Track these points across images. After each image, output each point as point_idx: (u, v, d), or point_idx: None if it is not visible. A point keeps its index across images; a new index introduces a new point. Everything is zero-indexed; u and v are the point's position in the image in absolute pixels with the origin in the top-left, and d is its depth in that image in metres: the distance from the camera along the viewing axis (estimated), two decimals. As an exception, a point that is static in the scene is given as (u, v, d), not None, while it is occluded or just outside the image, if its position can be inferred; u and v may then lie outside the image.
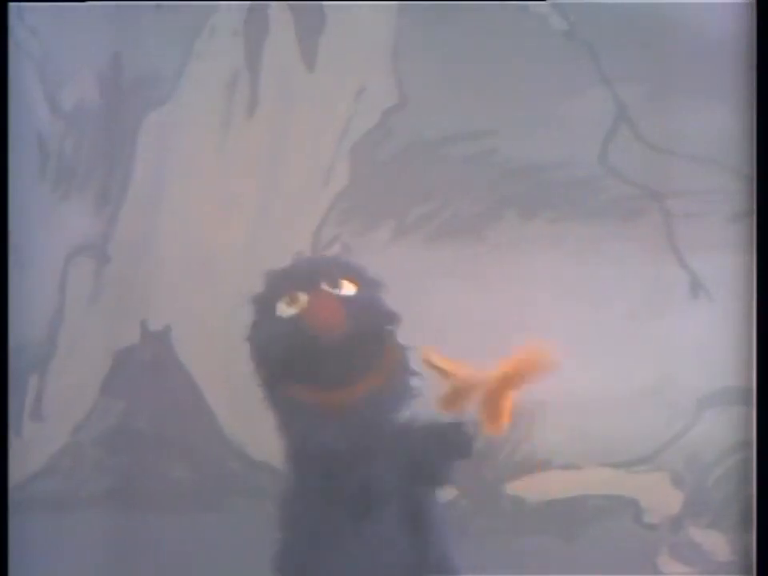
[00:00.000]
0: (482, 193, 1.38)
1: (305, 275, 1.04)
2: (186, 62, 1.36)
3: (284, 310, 1.01)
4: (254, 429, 1.37)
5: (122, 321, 1.37)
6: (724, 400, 1.39)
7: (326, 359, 0.97)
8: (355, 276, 1.06)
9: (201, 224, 1.37)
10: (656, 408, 1.39)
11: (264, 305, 1.04)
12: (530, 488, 1.39)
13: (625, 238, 1.38)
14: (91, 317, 1.38)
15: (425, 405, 1.11)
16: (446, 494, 1.38)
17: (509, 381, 1.05)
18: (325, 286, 1.02)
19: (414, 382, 1.08)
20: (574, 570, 1.36)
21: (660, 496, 1.39)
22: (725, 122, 1.38)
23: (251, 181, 1.37)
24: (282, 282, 1.04)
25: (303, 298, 1.01)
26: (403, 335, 1.34)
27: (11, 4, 1.33)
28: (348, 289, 1.03)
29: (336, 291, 1.02)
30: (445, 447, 1.04)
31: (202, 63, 1.36)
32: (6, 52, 1.33)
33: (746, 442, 1.39)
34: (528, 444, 1.39)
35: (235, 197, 1.37)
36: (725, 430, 1.40)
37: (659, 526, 1.40)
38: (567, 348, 1.38)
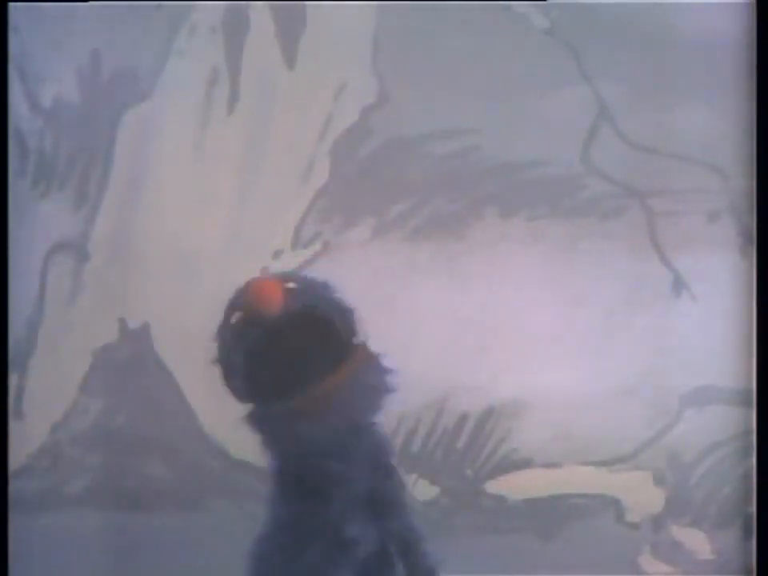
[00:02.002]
0: (463, 191, 1.38)
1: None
2: (165, 60, 1.36)
3: (234, 317, 1.01)
4: (234, 427, 1.36)
5: (101, 319, 1.37)
6: (706, 399, 1.39)
7: (281, 352, 0.97)
8: (298, 279, 1.04)
9: (180, 221, 1.36)
10: (638, 407, 1.39)
11: (222, 321, 1.04)
12: (512, 486, 1.39)
13: (606, 236, 1.38)
14: (70, 315, 1.38)
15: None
16: (427, 492, 1.39)
17: None
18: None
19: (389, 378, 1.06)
20: (555, 569, 1.36)
21: (642, 495, 1.39)
22: (706, 121, 1.38)
23: (231, 178, 1.37)
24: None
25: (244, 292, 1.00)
26: (383, 332, 1.36)
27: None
28: (289, 284, 1.00)
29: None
30: None
31: (182, 61, 1.36)
32: (6, 52, 1.33)
33: (728, 440, 1.39)
34: (509, 443, 1.39)
35: (215, 194, 1.37)
36: (707, 428, 1.39)
37: (641, 525, 1.40)
38: (548, 347, 1.39)
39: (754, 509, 1.38)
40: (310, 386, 0.96)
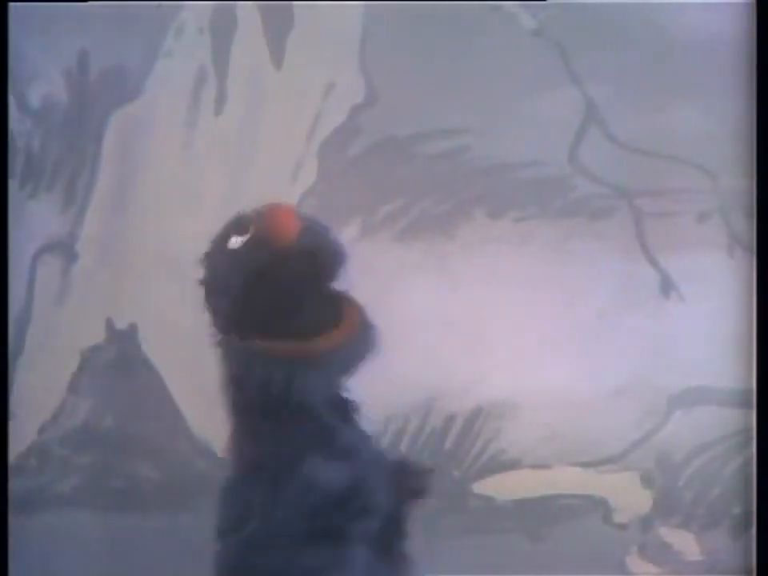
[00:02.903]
0: (451, 191, 1.37)
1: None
2: (153, 60, 1.36)
3: (235, 241, 0.94)
4: (222, 427, 1.37)
5: (89, 319, 1.37)
6: (695, 399, 1.39)
7: (279, 294, 0.95)
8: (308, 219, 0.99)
9: (168, 222, 1.36)
10: (626, 407, 1.39)
11: (216, 245, 0.99)
12: (500, 487, 1.39)
13: (595, 236, 1.38)
14: (58, 315, 1.38)
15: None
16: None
17: None
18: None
19: (374, 336, 1.04)
20: (543, 570, 1.36)
21: (630, 496, 1.39)
22: (696, 121, 1.38)
23: (219, 179, 1.37)
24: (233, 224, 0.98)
25: (254, 218, 0.94)
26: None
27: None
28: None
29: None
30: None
31: (170, 61, 1.36)
32: (6, 52, 1.33)
33: (717, 441, 1.39)
34: (497, 443, 1.39)
35: (203, 194, 1.37)
36: (696, 429, 1.39)
37: (629, 526, 1.40)
38: (537, 347, 1.39)
39: (744, 509, 1.39)
40: (302, 339, 0.94)
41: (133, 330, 1.36)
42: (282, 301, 0.93)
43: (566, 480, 1.39)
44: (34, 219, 1.37)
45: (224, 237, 0.96)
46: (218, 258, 0.98)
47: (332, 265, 0.98)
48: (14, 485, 1.35)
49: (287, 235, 0.92)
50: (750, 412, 1.36)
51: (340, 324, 0.97)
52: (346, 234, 1.37)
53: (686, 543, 1.39)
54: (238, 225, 0.95)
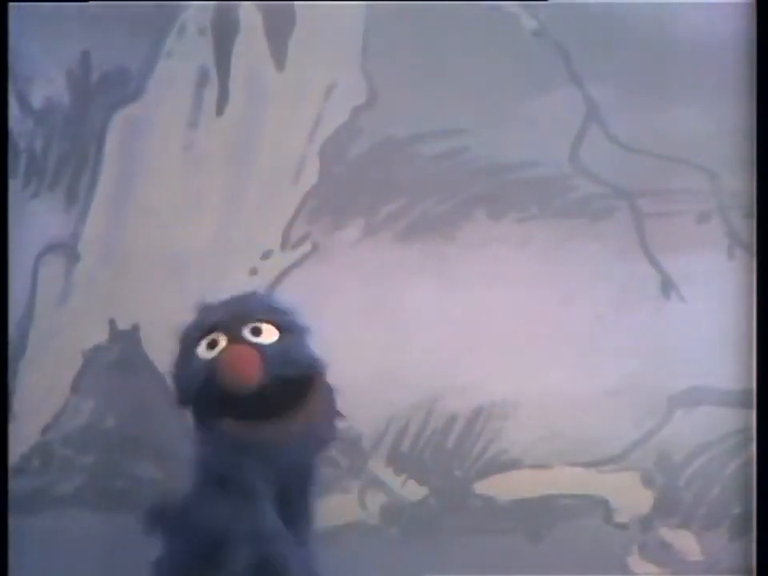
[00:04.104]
0: (452, 191, 1.38)
1: (229, 317, 1.04)
2: (154, 61, 1.36)
3: (204, 352, 1.02)
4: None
5: (91, 320, 1.37)
6: (695, 399, 1.39)
7: (246, 401, 0.98)
8: (281, 320, 1.05)
9: (169, 223, 1.36)
10: (626, 407, 1.39)
11: (188, 341, 1.05)
12: (500, 487, 1.39)
13: (595, 237, 1.38)
14: (61, 316, 1.38)
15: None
16: (416, 492, 1.39)
17: None
18: (246, 332, 1.02)
19: (338, 423, 1.08)
20: (543, 570, 1.36)
21: (630, 496, 1.39)
22: (696, 122, 1.38)
23: (220, 179, 1.37)
24: (207, 320, 1.05)
25: (222, 342, 1.01)
26: (372, 333, 1.36)
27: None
28: (270, 335, 1.02)
29: (256, 339, 1.01)
30: None
31: (171, 62, 1.36)
32: (6, 52, 1.33)
33: (717, 441, 1.40)
34: (498, 443, 1.39)
35: (204, 195, 1.37)
36: (696, 429, 1.40)
37: (629, 526, 1.40)
38: (538, 347, 1.39)
39: (745, 509, 1.39)
40: (272, 423, 0.98)
41: (135, 330, 1.36)
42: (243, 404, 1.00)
43: (567, 480, 1.39)
44: (37, 220, 1.38)
45: (196, 338, 1.04)
46: (186, 356, 1.05)
47: (303, 379, 1.01)
48: (17, 485, 1.36)
49: (246, 380, 0.98)
50: (750, 412, 1.37)
51: (303, 409, 1.00)
52: (347, 235, 1.38)
53: (686, 543, 1.40)
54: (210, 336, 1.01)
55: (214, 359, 1.00)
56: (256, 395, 0.97)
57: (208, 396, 1.00)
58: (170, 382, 1.34)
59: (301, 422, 1.00)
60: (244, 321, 1.03)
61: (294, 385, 1.00)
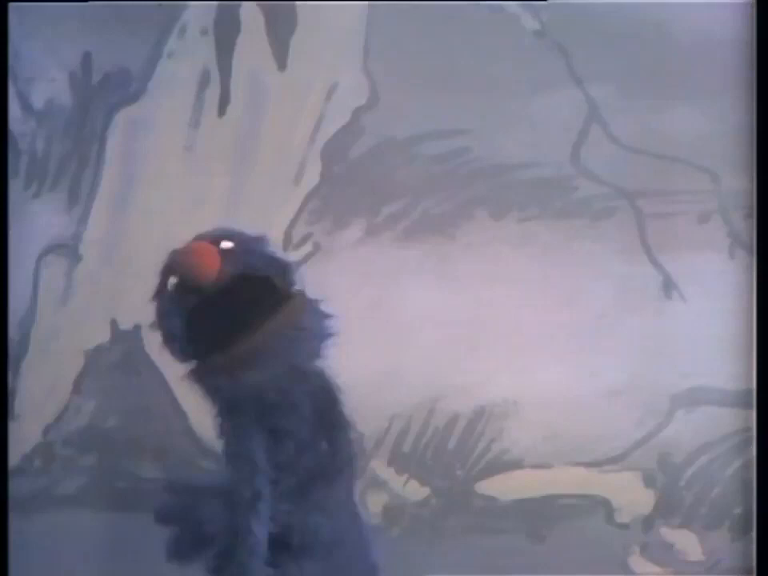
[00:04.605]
0: (453, 192, 1.38)
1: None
2: (156, 62, 1.36)
3: (170, 283, 1.04)
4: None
5: (93, 320, 1.37)
6: (697, 399, 1.40)
7: (219, 312, 0.98)
8: (239, 237, 1.06)
9: (171, 223, 1.36)
10: (628, 408, 1.39)
11: (158, 288, 1.07)
12: (502, 487, 1.39)
13: (596, 237, 1.38)
14: (63, 316, 1.38)
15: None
16: (418, 492, 1.39)
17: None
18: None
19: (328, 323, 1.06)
20: (545, 570, 1.37)
21: (632, 495, 1.40)
22: (697, 122, 1.38)
23: (222, 180, 1.37)
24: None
25: (180, 258, 1.02)
26: (374, 332, 1.36)
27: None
28: (226, 244, 1.03)
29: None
30: None
31: (173, 62, 1.36)
32: (6, 52, 1.34)
33: (719, 441, 1.40)
34: (500, 443, 1.39)
35: (206, 196, 1.37)
36: (697, 429, 1.40)
37: (631, 526, 1.40)
38: (539, 347, 1.40)
39: (746, 509, 1.39)
40: (250, 334, 0.97)
41: (137, 330, 1.36)
42: (224, 324, 0.99)
43: (568, 480, 1.39)
44: (38, 220, 1.38)
45: (163, 277, 1.05)
46: (161, 300, 1.06)
47: (268, 278, 1.01)
48: (19, 485, 1.36)
49: (210, 274, 0.98)
50: (751, 412, 1.37)
51: (282, 311, 0.99)
52: (348, 236, 1.38)
53: (687, 543, 1.40)
54: (171, 263, 1.03)
55: (172, 258, 1.02)
56: (220, 294, 0.97)
57: (186, 329, 0.99)
58: (169, 379, 1.37)
59: (278, 329, 0.99)
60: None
61: (256, 286, 1.00)
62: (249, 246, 1.03)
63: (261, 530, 1.00)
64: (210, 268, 0.98)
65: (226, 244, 1.02)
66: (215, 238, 1.03)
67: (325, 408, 1.07)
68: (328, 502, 1.05)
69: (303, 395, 1.03)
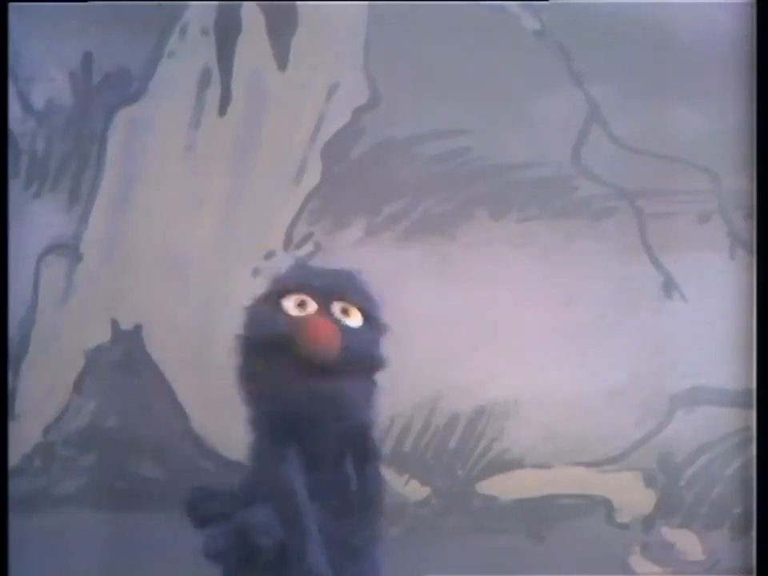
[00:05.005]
0: (453, 192, 1.38)
1: (322, 285, 1.04)
2: (156, 62, 1.36)
3: (291, 308, 1.01)
4: (226, 428, 1.37)
5: (93, 320, 1.37)
6: (697, 399, 1.40)
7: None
8: (368, 309, 1.05)
9: (172, 223, 1.36)
10: (628, 407, 1.39)
11: (276, 288, 1.04)
12: (502, 487, 1.39)
13: (596, 237, 1.39)
14: (63, 316, 1.38)
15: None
16: (418, 492, 1.39)
17: None
18: (335, 308, 1.01)
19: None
20: (545, 570, 1.37)
21: (632, 495, 1.40)
22: (698, 122, 1.38)
23: (222, 180, 1.37)
24: (301, 280, 1.05)
25: (311, 307, 1.00)
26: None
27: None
28: (355, 319, 1.02)
29: (342, 318, 1.01)
30: None
31: (173, 62, 1.36)
32: (6, 52, 1.33)
33: (719, 441, 1.40)
34: (501, 443, 1.39)
35: (206, 196, 1.37)
36: (698, 429, 1.40)
37: (631, 526, 1.40)
38: (540, 347, 1.40)
39: (747, 509, 1.39)
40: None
41: (138, 330, 1.37)
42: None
43: (568, 480, 1.39)
44: (38, 220, 1.38)
45: (279, 294, 1.03)
46: (266, 310, 1.03)
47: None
48: (18, 485, 1.36)
49: (327, 354, 0.97)
50: (751, 412, 1.37)
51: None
52: (349, 236, 1.38)
53: (688, 543, 1.40)
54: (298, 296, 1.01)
55: (300, 319, 0.99)
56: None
57: (274, 347, 0.99)
58: (169, 379, 1.37)
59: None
60: (335, 295, 1.02)
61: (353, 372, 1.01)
62: (370, 339, 1.04)
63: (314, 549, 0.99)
64: (329, 353, 0.98)
65: (354, 319, 1.02)
66: (346, 306, 1.03)
67: (355, 436, 1.06)
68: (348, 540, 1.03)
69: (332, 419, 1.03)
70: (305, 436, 1.00)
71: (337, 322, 1.00)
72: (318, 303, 1.01)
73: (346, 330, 1.00)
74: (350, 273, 1.10)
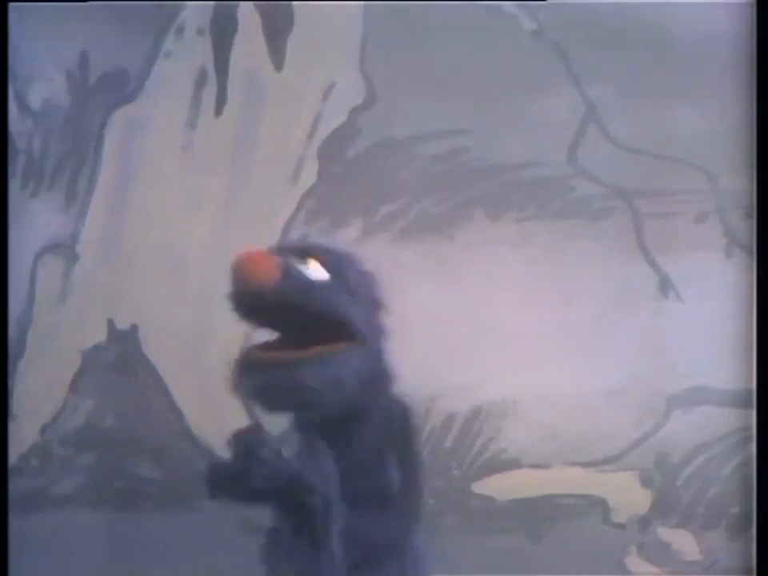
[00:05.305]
0: (450, 192, 1.38)
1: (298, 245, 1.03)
2: (153, 61, 1.36)
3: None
4: (222, 427, 1.37)
5: (90, 320, 1.37)
6: (694, 399, 1.40)
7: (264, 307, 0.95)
8: (333, 264, 0.99)
9: (168, 223, 1.36)
10: (625, 408, 1.39)
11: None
12: (499, 487, 1.39)
13: (593, 237, 1.38)
14: (60, 316, 1.38)
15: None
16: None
17: None
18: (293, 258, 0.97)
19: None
20: (542, 569, 1.37)
21: (629, 495, 1.40)
22: (695, 122, 1.38)
23: (219, 179, 1.37)
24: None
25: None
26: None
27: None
28: (313, 269, 0.97)
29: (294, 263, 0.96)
30: None
31: (170, 62, 1.36)
32: (6, 52, 1.34)
33: (716, 441, 1.40)
34: (497, 443, 1.39)
35: (203, 195, 1.37)
36: (694, 429, 1.40)
37: (628, 526, 1.40)
38: (536, 347, 1.40)
39: (743, 509, 1.39)
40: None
41: (134, 330, 1.37)
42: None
43: (565, 480, 1.39)
44: (35, 220, 1.38)
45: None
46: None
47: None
48: (16, 485, 1.36)
49: (267, 283, 0.93)
50: (748, 412, 1.37)
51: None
52: (345, 235, 1.38)
53: (684, 543, 1.40)
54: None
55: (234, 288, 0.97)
56: (273, 306, 0.94)
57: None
58: (166, 378, 1.37)
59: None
60: (302, 250, 0.99)
61: (312, 320, 0.96)
62: (325, 284, 0.98)
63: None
64: (262, 274, 0.93)
65: (313, 269, 0.97)
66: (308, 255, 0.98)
67: (399, 437, 1.04)
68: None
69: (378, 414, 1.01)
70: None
71: (278, 257, 0.95)
72: (271, 252, 0.97)
73: (293, 270, 0.94)
74: (345, 250, 1.04)
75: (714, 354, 1.38)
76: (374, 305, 1.06)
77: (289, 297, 0.93)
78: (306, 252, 0.98)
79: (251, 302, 0.95)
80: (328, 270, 0.97)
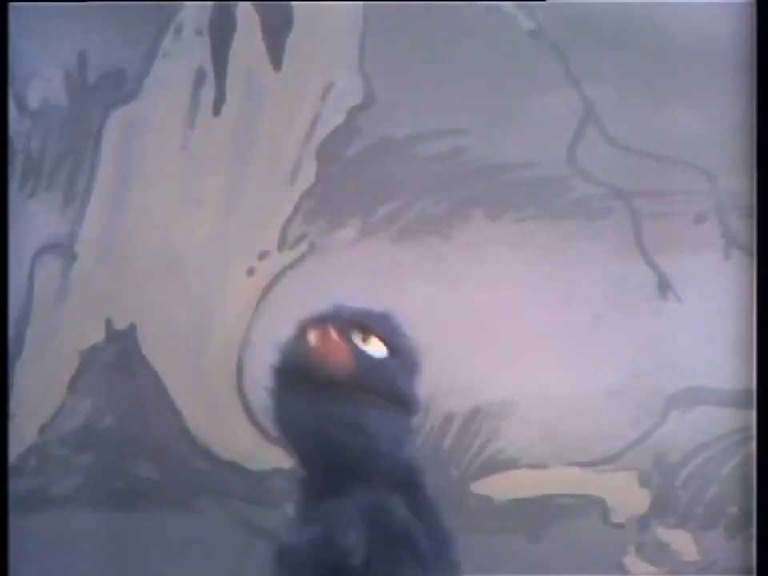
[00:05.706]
0: (449, 192, 1.38)
1: (345, 317, 1.02)
2: (151, 61, 1.36)
3: (312, 338, 0.99)
4: (221, 428, 1.37)
5: (88, 320, 1.37)
6: (693, 399, 1.39)
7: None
8: (391, 340, 1.02)
9: (166, 223, 1.36)
10: (624, 407, 1.39)
11: (299, 332, 1.03)
12: (497, 487, 1.39)
13: (592, 237, 1.38)
14: (58, 316, 1.38)
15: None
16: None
17: None
18: (354, 335, 0.99)
19: None
20: (540, 570, 1.37)
21: (627, 495, 1.39)
22: (694, 122, 1.38)
23: (217, 179, 1.37)
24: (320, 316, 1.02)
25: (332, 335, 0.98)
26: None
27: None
28: (377, 348, 1.00)
29: (358, 344, 0.99)
30: None
31: (168, 62, 1.36)
32: (6, 52, 1.34)
33: (715, 441, 1.40)
34: (496, 443, 1.39)
35: (201, 195, 1.37)
36: (693, 429, 1.40)
37: (626, 526, 1.40)
38: (535, 347, 1.40)
39: (742, 509, 1.39)
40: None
41: (132, 330, 1.37)
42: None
43: (564, 479, 1.39)
44: (33, 220, 1.38)
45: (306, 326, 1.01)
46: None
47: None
48: (15, 485, 1.35)
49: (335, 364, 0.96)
50: (747, 412, 1.37)
51: None
52: (344, 235, 1.38)
53: (683, 543, 1.40)
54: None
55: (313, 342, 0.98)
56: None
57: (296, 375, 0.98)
58: (164, 379, 1.37)
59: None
60: (357, 324, 1.01)
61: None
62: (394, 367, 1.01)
63: None
64: (337, 363, 0.96)
65: (375, 347, 1.00)
66: (367, 334, 1.00)
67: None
68: None
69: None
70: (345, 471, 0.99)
71: (349, 343, 0.98)
72: (338, 332, 0.98)
73: (360, 353, 0.98)
74: (383, 312, 1.08)
75: (713, 353, 1.39)
76: (416, 369, 1.08)
77: (363, 383, 0.97)
78: (365, 329, 1.00)
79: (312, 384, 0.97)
80: (385, 344, 1.01)
